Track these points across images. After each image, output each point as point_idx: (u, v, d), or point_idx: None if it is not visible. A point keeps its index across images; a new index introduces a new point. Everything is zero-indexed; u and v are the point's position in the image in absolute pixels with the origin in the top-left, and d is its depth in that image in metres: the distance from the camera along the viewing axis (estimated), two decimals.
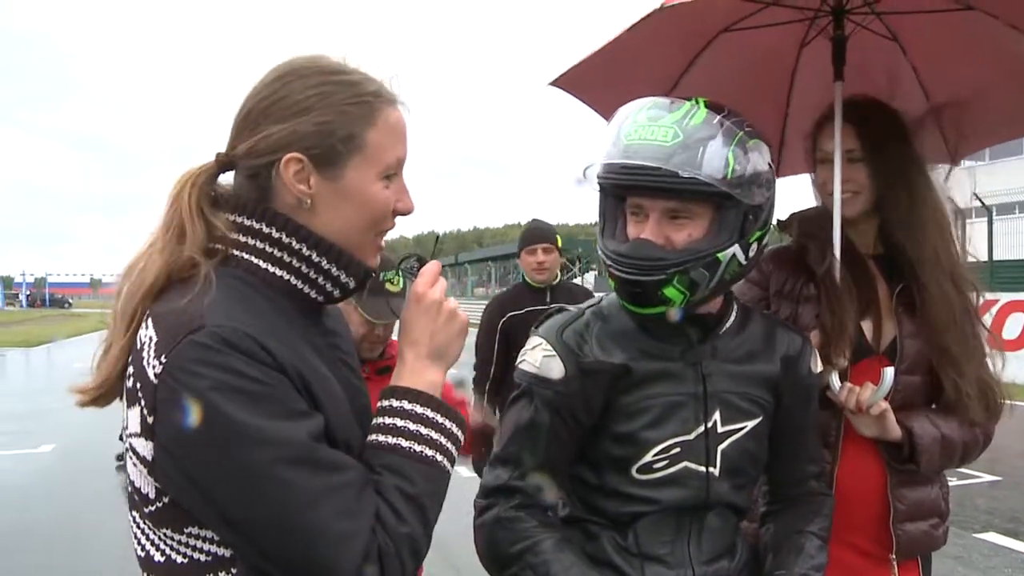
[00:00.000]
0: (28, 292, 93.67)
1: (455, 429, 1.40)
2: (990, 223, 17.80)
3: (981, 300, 2.31)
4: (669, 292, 1.70)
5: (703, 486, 1.80)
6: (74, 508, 7.60)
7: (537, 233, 4.99)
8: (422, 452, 1.34)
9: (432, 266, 1.48)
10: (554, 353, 1.78)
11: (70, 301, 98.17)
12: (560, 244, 4.96)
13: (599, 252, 1.81)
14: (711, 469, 1.80)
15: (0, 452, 10.35)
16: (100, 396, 1.37)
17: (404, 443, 1.34)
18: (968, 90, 2.50)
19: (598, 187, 1.80)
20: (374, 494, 1.28)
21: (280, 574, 1.26)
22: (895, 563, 2.21)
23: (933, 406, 2.25)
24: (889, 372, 2.08)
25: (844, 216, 2.23)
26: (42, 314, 65.91)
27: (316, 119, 1.34)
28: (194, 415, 1.18)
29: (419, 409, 1.37)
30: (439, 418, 1.38)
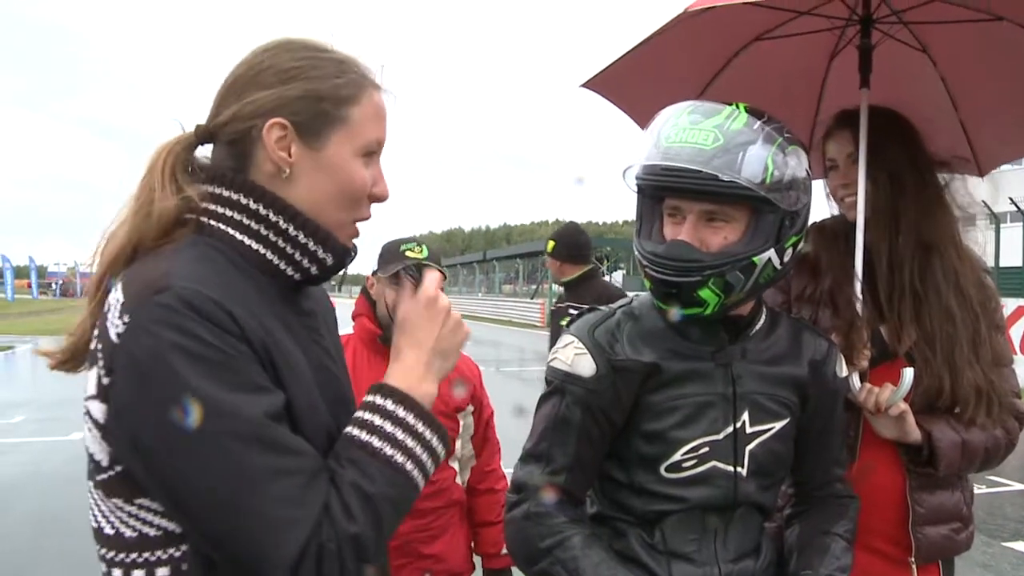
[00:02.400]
0: (61, 281, 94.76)
1: (436, 443, 1.35)
2: (997, 231, 17.55)
3: (999, 306, 2.30)
4: (704, 294, 1.72)
5: (730, 486, 1.81)
6: None
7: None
8: (392, 456, 1.28)
9: (436, 274, 1.46)
10: (585, 351, 1.80)
11: None
12: (550, 249, 5.40)
13: (635, 252, 1.83)
14: (739, 469, 1.81)
15: (32, 439, 10.50)
16: (67, 360, 1.36)
17: (376, 442, 1.29)
18: (996, 100, 2.50)
19: (636, 188, 1.82)
20: (327, 485, 1.23)
21: (216, 552, 1.23)
22: (915, 567, 2.21)
23: (957, 410, 2.24)
24: (908, 372, 2.08)
25: (848, 219, 2.25)
26: (75, 303, 66.55)
27: (304, 86, 1.34)
28: (148, 376, 1.15)
29: (402, 413, 1.32)
30: (421, 427, 1.33)
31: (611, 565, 1.74)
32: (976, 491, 2.37)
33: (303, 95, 1.34)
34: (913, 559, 2.20)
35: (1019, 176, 24.21)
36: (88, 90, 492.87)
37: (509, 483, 1.88)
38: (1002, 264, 16.78)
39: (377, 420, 1.31)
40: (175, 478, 1.17)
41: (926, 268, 2.21)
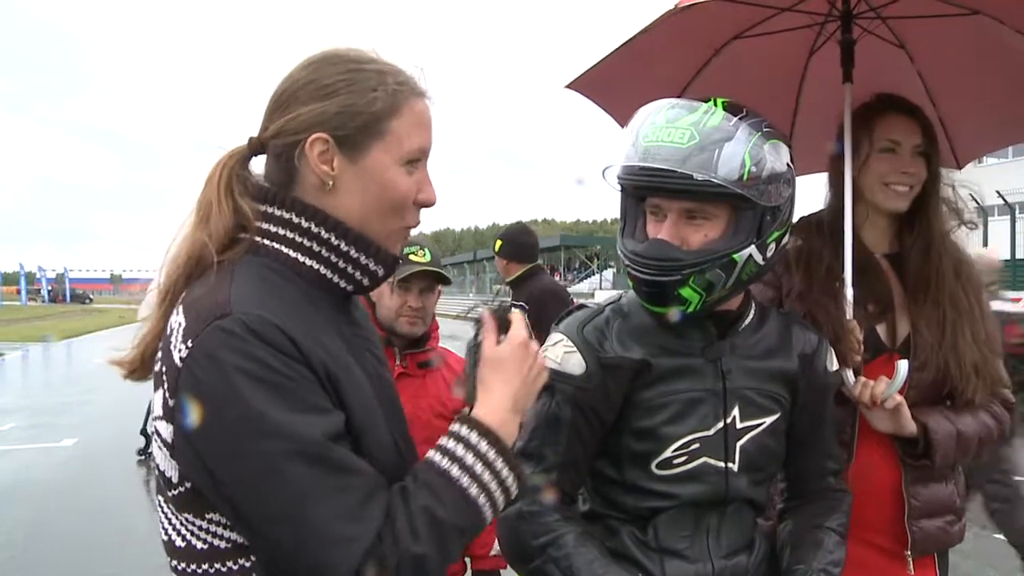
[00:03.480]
0: (50, 288, 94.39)
1: (511, 482, 1.38)
2: (1013, 221, 17.66)
3: (991, 297, 2.34)
4: (685, 292, 1.72)
5: (722, 482, 1.81)
6: (95, 501, 7.69)
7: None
8: (467, 488, 1.32)
9: (522, 315, 1.49)
10: (575, 349, 1.80)
11: (91, 297, 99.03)
12: (497, 249, 5.66)
13: (619, 251, 1.84)
14: (730, 465, 1.81)
15: (23, 446, 10.47)
16: (135, 371, 1.40)
17: (455, 471, 1.32)
18: (973, 94, 2.52)
19: (618, 187, 1.82)
20: (388, 503, 1.27)
21: (280, 566, 1.27)
22: (911, 560, 2.22)
23: (948, 403, 2.26)
24: (903, 365, 2.09)
25: (892, 210, 2.26)
26: (63, 310, 66.46)
27: (343, 101, 1.37)
28: (211, 399, 1.20)
29: (484, 447, 1.35)
30: (500, 464, 1.36)
31: (604, 563, 1.74)
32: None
33: (342, 110, 1.37)
34: (909, 552, 2.21)
35: (1005, 169, 24.36)
36: (77, 94, 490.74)
37: None
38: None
39: (460, 450, 1.34)
40: (238, 496, 1.22)
41: (940, 256, 2.25)
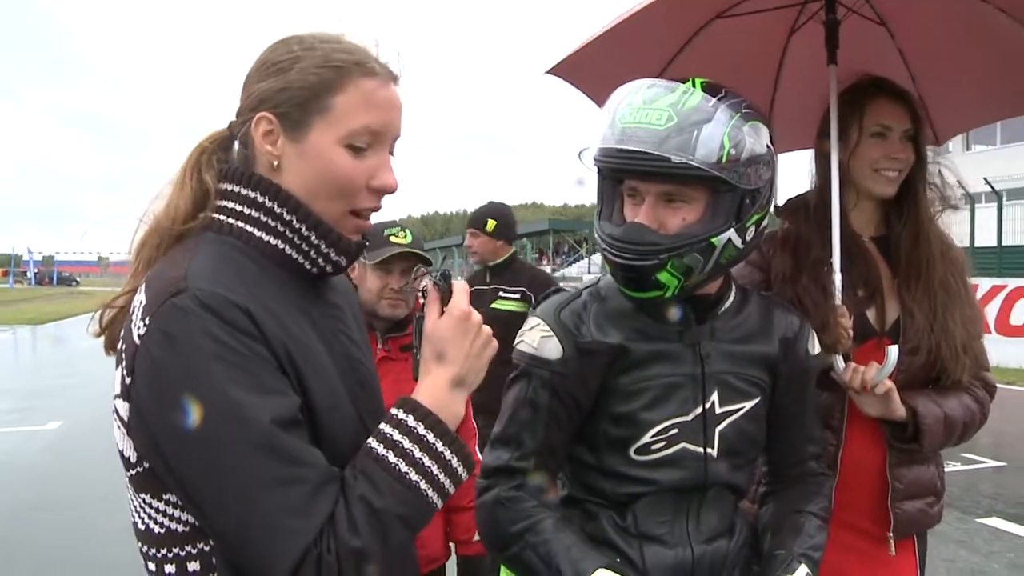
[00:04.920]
0: (36, 270, 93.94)
1: (457, 466, 1.34)
2: (1000, 208, 17.69)
3: (974, 282, 2.35)
4: (663, 277, 1.70)
5: (701, 467, 1.80)
6: (81, 484, 7.64)
7: (470, 219, 5.46)
8: (406, 474, 1.28)
9: (466, 285, 1.44)
10: (552, 333, 1.78)
11: (78, 279, 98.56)
12: (490, 229, 5.29)
13: (596, 234, 1.81)
14: (709, 450, 1.80)
15: (8, 429, 10.41)
16: (107, 341, 1.41)
17: (392, 458, 1.28)
18: (955, 72, 2.51)
19: (595, 169, 1.79)
20: (335, 496, 1.24)
21: (225, 554, 1.26)
22: (892, 541, 2.23)
23: (932, 386, 2.27)
24: (893, 350, 2.09)
25: (881, 195, 2.26)
26: (49, 292, 66.17)
27: (287, 79, 1.35)
28: (164, 378, 1.19)
29: (422, 431, 1.31)
30: (440, 446, 1.32)
31: (582, 548, 1.72)
32: (951, 468, 2.42)
33: (284, 87, 1.35)
34: (891, 534, 2.23)
35: (993, 156, 24.42)
36: (61, 77, 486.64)
37: (480, 469, 1.85)
38: (977, 244, 16.92)
39: (396, 435, 1.31)
40: (187, 478, 1.21)
41: (929, 239, 2.26)
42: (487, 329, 1.43)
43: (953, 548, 5.59)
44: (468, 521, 3.02)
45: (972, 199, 17.40)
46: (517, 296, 5.13)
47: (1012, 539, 5.98)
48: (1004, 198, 17.96)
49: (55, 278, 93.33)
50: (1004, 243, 17.30)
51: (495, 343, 1.44)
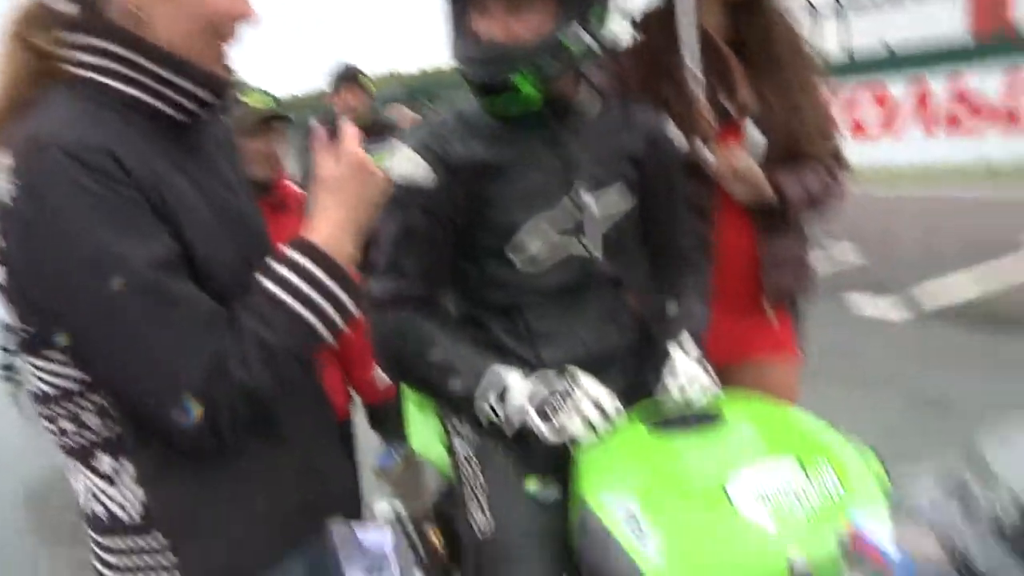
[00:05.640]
0: None
1: (345, 300, 1.34)
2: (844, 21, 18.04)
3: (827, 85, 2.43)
4: (521, 85, 1.71)
5: (585, 266, 1.86)
6: None
7: (339, 78, 5.27)
8: (299, 311, 1.29)
9: (355, 129, 1.41)
10: (419, 159, 1.79)
11: None
12: (369, 87, 5.24)
13: (451, 56, 1.79)
14: (592, 250, 1.86)
15: None
16: None
17: (282, 295, 1.29)
18: None
19: None
20: (224, 333, 1.24)
21: (117, 401, 1.26)
22: (767, 307, 2.37)
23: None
24: (750, 125, 2.17)
25: None
26: None
27: None
28: (37, 234, 1.16)
29: (311, 268, 1.31)
30: (330, 284, 1.32)
31: (482, 358, 1.77)
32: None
33: None
34: (765, 301, 2.36)
35: None
36: None
37: (365, 301, 1.85)
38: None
39: (288, 274, 1.30)
40: (73, 331, 1.20)
41: (780, 32, 2.31)
42: (377, 168, 1.42)
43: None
44: (367, 374, 3.08)
45: (817, 10, 17.66)
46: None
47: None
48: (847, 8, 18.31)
49: None
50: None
51: (385, 176, 1.43)
